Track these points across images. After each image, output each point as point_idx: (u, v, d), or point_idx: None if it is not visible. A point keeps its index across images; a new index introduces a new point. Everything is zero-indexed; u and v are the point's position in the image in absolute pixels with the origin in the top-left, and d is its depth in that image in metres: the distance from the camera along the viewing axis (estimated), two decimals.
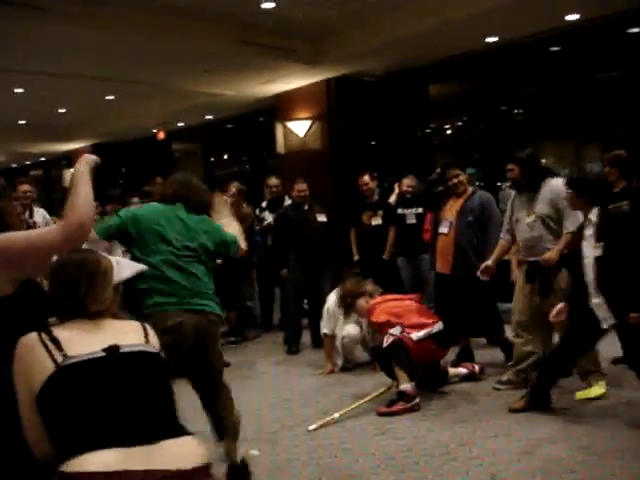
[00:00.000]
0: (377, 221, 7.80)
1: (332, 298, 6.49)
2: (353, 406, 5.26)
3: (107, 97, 12.45)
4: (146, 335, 2.23)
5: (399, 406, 5.19)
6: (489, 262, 5.82)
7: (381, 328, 5.58)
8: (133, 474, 1.89)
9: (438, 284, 6.54)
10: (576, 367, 5.44)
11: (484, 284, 5.94)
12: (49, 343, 2.06)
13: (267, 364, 7.04)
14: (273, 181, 8.67)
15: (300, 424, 5.01)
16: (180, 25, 8.18)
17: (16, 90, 11.34)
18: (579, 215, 5.13)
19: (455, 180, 6.27)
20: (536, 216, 5.42)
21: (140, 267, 2.59)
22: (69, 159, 19.17)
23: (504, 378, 5.69)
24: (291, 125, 11.29)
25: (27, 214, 6.69)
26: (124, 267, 2.39)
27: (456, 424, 4.88)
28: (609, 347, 6.09)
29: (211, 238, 4.00)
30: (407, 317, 5.57)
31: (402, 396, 5.24)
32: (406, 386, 5.27)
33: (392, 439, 4.65)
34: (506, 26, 8.51)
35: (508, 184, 7.40)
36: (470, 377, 5.98)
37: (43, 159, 21.16)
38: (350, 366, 6.60)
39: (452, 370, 5.95)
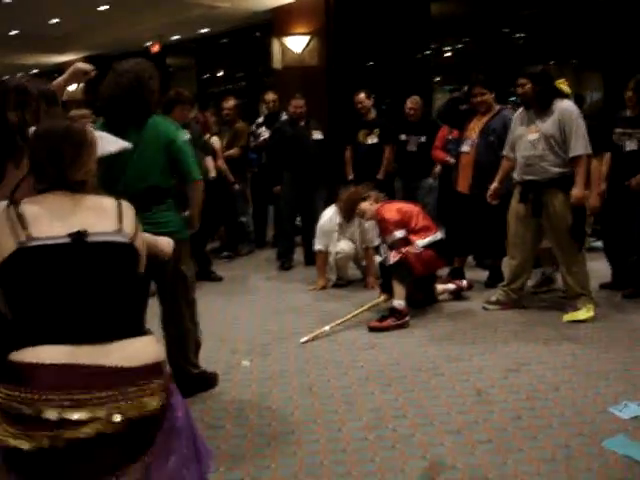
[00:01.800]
0: (373, 140, 7.72)
1: (327, 215, 6.49)
2: (344, 319, 5.31)
3: (100, 8, 12.15)
4: (120, 220, 2.05)
5: (390, 322, 5.26)
6: (495, 184, 5.72)
7: (389, 228, 5.56)
8: (82, 368, 1.84)
9: (455, 203, 6.47)
10: (566, 290, 5.52)
11: (500, 205, 5.90)
12: (15, 219, 1.94)
13: (260, 279, 7.08)
14: (270, 96, 8.55)
15: (291, 337, 5.08)
16: None
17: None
18: (586, 138, 5.17)
19: (479, 99, 6.18)
20: (541, 134, 5.29)
21: (125, 144, 2.46)
22: (61, 72, 18.86)
23: (493, 298, 5.75)
24: (288, 40, 11.06)
25: None
26: (109, 142, 2.29)
27: (444, 341, 4.96)
28: (598, 272, 6.18)
29: None
30: (415, 219, 5.60)
31: (394, 312, 5.31)
32: (399, 302, 5.33)
33: (381, 353, 4.72)
34: None
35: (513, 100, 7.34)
36: (458, 293, 6.08)
37: (36, 71, 20.79)
38: (342, 282, 6.64)
39: (440, 286, 6.01)
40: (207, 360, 4.38)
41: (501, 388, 4.06)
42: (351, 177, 7.78)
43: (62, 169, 2.04)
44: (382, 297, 5.62)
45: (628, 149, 5.76)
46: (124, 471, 1.88)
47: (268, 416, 3.68)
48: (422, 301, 5.81)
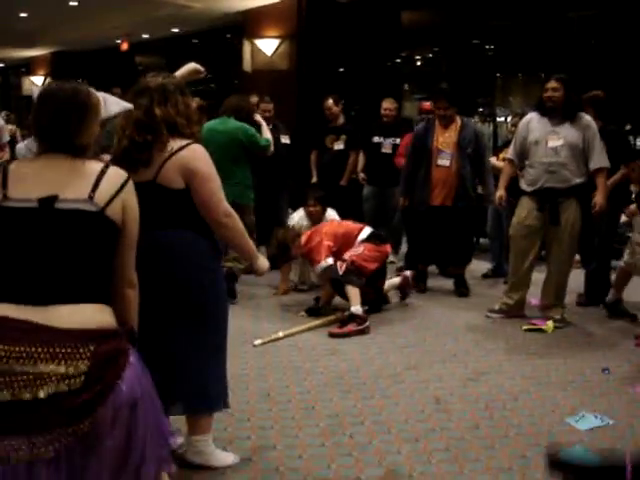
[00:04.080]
0: (339, 145, 7.71)
1: (294, 218, 6.47)
2: (299, 328, 5.31)
3: (71, 3, 11.98)
4: (95, 188, 2.03)
5: (350, 327, 5.24)
6: (501, 190, 5.64)
7: (315, 259, 5.59)
8: (12, 322, 1.90)
9: (424, 216, 6.28)
10: (544, 297, 5.57)
11: (476, 214, 6.17)
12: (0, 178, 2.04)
13: None
14: (253, 99, 8.48)
15: (250, 341, 5.02)
16: None
17: None
18: (605, 154, 5.25)
19: (442, 112, 6.16)
20: (565, 142, 5.24)
21: (128, 105, 2.51)
22: (28, 66, 18.60)
23: (496, 307, 5.73)
24: (259, 43, 11.01)
25: None
26: (112, 103, 2.33)
27: (405, 348, 4.95)
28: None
29: None
30: (344, 238, 5.69)
31: (353, 318, 5.29)
32: (357, 308, 5.32)
33: (341, 359, 4.69)
34: None
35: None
36: (404, 286, 6.10)
37: (1, 65, 20.51)
38: (305, 287, 6.61)
39: (387, 283, 5.99)
40: None
41: (460, 397, 4.06)
42: (314, 180, 7.78)
43: (68, 132, 2.07)
44: (339, 314, 5.58)
45: None
46: (40, 436, 1.89)
47: (225, 420, 3.62)
48: (374, 301, 5.79)
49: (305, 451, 3.36)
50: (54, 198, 1.98)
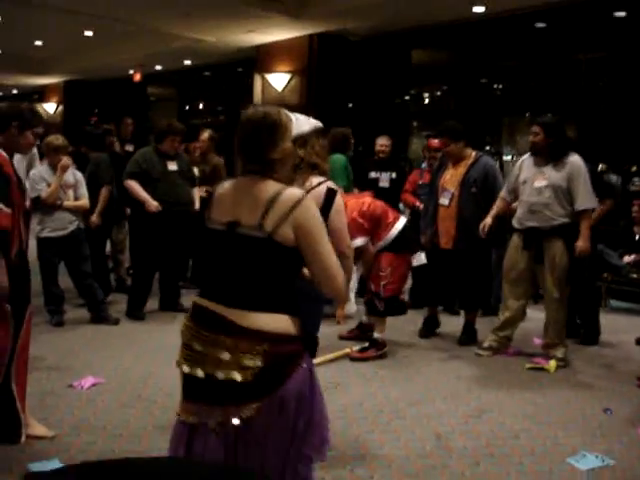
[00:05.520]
0: None
1: None
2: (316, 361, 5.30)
3: (86, 33, 12.21)
4: (265, 215, 2.31)
5: (371, 353, 5.41)
6: (488, 219, 5.61)
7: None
8: (211, 313, 2.37)
9: (432, 257, 5.86)
10: (545, 336, 5.58)
11: (483, 257, 5.94)
12: (209, 201, 2.53)
13: None
14: None
15: None
16: None
17: None
18: (592, 192, 5.29)
19: (444, 149, 6.07)
20: (549, 183, 5.32)
21: (318, 124, 3.03)
22: (41, 93, 18.84)
23: (485, 344, 5.73)
24: (270, 78, 11.19)
25: None
26: (303, 123, 2.75)
27: (407, 383, 4.96)
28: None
29: None
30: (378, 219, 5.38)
31: (375, 343, 5.44)
32: (379, 335, 5.49)
33: (344, 393, 4.70)
34: None
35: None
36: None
37: (15, 92, 20.77)
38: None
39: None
40: (168, 393, 4.34)
41: (461, 434, 4.07)
42: None
43: (260, 147, 2.40)
44: (347, 349, 5.58)
45: None
46: (218, 409, 2.35)
47: None
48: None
49: None
50: (236, 224, 2.36)
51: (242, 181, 2.44)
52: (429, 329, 6.25)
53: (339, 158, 6.99)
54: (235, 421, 2.32)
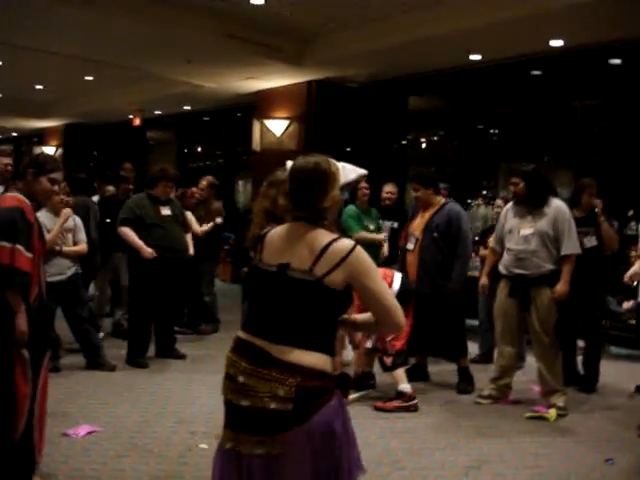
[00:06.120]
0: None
1: None
2: None
3: (86, 77, 12.32)
4: (316, 261, 2.41)
5: (395, 404, 5.37)
6: (483, 279, 5.77)
7: None
8: (252, 345, 2.48)
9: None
10: (543, 384, 5.54)
11: (450, 302, 5.84)
12: (258, 246, 2.61)
13: (224, 358, 6.94)
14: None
15: None
16: (167, 13, 8.15)
17: None
18: (576, 238, 5.33)
19: (413, 194, 6.13)
20: (535, 230, 5.36)
21: (363, 172, 3.24)
22: (40, 136, 18.95)
23: (485, 392, 5.69)
24: (269, 123, 11.28)
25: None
26: (350, 171, 2.92)
27: (407, 434, 4.90)
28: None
29: None
30: None
31: (400, 395, 5.39)
32: (405, 386, 5.43)
33: None
34: (491, 45, 8.56)
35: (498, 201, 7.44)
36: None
37: (15, 134, 20.88)
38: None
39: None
40: (164, 442, 4.29)
41: None
42: None
43: (312, 196, 2.50)
44: (364, 392, 5.62)
45: (588, 245, 5.98)
46: (252, 437, 2.40)
47: None
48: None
49: None
50: (287, 266, 2.45)
51: (294, 227, 2.54)
52: (412, 377, 5.85)
53: (350, 208, 7.07)
54: (258, 451, 2.38)
